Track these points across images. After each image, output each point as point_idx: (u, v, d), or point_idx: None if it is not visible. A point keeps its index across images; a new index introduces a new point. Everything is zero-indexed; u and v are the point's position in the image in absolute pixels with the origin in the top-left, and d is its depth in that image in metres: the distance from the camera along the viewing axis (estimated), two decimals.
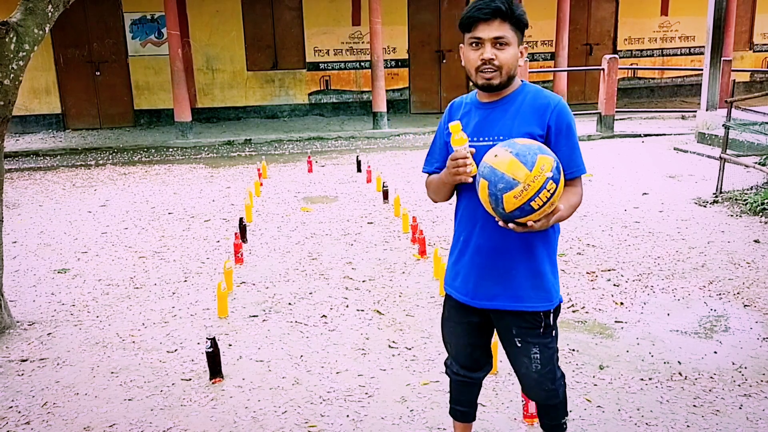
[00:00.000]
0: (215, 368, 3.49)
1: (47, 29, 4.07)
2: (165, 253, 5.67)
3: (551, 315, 2.33)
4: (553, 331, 2.36)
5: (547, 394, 2.40)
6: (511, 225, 2.09)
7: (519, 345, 2.34)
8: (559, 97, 2.27)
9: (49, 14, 4.00)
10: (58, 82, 12.97)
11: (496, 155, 2.06)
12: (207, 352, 3.45)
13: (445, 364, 2.64)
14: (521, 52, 2.23)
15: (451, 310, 2.50)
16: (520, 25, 2.19)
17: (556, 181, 2.04)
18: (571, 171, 2.21)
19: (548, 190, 2.03)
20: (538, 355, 2.33)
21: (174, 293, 4.77)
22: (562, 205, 2.12)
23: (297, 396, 3.35)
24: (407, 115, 14.31)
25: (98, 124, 13.26)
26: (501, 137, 2.20)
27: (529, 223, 2.06)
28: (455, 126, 2.17)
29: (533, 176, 2.01)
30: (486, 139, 2.25)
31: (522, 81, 2.31)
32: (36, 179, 9.06)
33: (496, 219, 2.12)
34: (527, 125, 2.21)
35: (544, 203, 2.03)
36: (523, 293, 2.28)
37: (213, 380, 3.48)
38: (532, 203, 2.00)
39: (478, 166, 2.13)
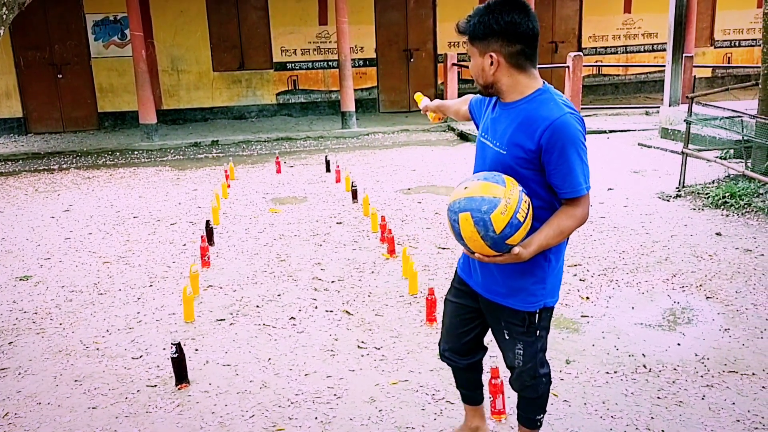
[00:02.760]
0: (181, 374, 3.44)
1: (2, 31, 3.97)
2: (130, 258, 5.58)
3: (535, 315, 2.37)
4: (538, 331, 2.41)
5: (524, 386, 2.50)
6: (487, 259, 2.17)
7: (507, 337, 2.43)
8: (559, 114, 2.11)
9: (4, 16, 3.91)
10: (19, 85, 12.67)
11: (465, 187, 2.15)
12: (172, 358, 3.41)
13: (438, 344, 2.75)
14: (491, 58, 2.19)
15: (452, 288, 2.65)
16: (471, 36, 2.22)
17: (528, 196, 2.16)
18: (563, 192, 2.16)
19: (526, 202, 2.12)
20: (521, 351, 2.41)
21: (139, 298, 4.70)
22: (549, 230, 2.18)
23: (265, 399, 3.32)
24: (376, 114, 14.29)
25: (61, 127, 12.99)
26: (497, 143, 2.26)
27: (515, 250, 2.11)
28: (418, 96, 2.97)
29: (509, 190, 2.10)
30: (489, 139, 2.33)
31: (540, 88, 2.21)
32: None
33: (477, 256, 2.18)
34: (520, 137, 2.18)
35: (527, 215, 2.11)
36: (506, 291, 2.35)
37: (179, 386, 3.44)
38: (518, 215, 2.08)
39: (451, 206, 2.17)
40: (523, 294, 2.32)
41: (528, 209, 2.12)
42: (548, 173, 2.16)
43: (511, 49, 2.16)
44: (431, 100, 3.04)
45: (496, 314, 2.43)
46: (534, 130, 2.14)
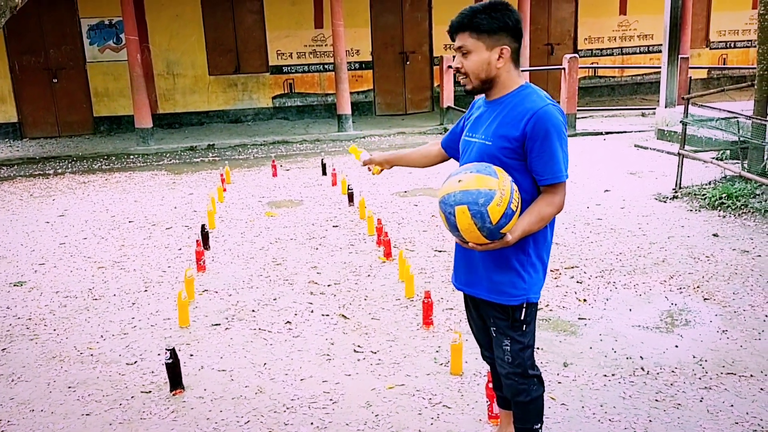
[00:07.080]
0: (176, 379, 3.41)
1: None
2: (125, 263, 5.55)
3: (517, 311, 2.39)
4: (524, 326, 2.42)
5: (517, 389, 2.48)
6: (480, 247, 2.23)
7: (494, 334, 2.47)
8: (543, 104, 2.24)
9: None
10: (14, 90, 12.60)
11: (460, 180, 2.20)
12: (166, 363, 3.38)
13: None
14: (501, 53, 2.28)
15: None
16: (480, 30, 2.26)
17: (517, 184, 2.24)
18: (544, 178, 2.26)
19: (516, 192, 2.21)
20: (508, 347, 2.43)
21: (134, 304, 4.67)
22: (531, 217, 2.25)
23: (260, 405, 3.30)
24: (372, 117, 14.28)
25: (56, 132, 12.94)
26: (483, 137, 2.35)
27: (506, 237, 2.19)
28: (353, 148, 3.08)
29: (502, 182, 2.17)
30: (474, 136, 2.40)
31: (523, 84, 2.34)
32: None
33: (471, 245, 2.24)
34: (505, 128, 2.28)
35: (518, 204, 2.20)
36: (487, 285, 2.40)
37: (174, 392, 3.41)
38: (512, 205, 2.16)
39: (445, 199, 2.23)
40: (503, 287, 2.36)
41: (519, 198, 2.22)
42: (530, 160, 2.26)
43: (515, 45, 2.31)
44: (392, 153, 3.04)
45: (485, 311, 2.49)
46: (519, 120, 2.25)
